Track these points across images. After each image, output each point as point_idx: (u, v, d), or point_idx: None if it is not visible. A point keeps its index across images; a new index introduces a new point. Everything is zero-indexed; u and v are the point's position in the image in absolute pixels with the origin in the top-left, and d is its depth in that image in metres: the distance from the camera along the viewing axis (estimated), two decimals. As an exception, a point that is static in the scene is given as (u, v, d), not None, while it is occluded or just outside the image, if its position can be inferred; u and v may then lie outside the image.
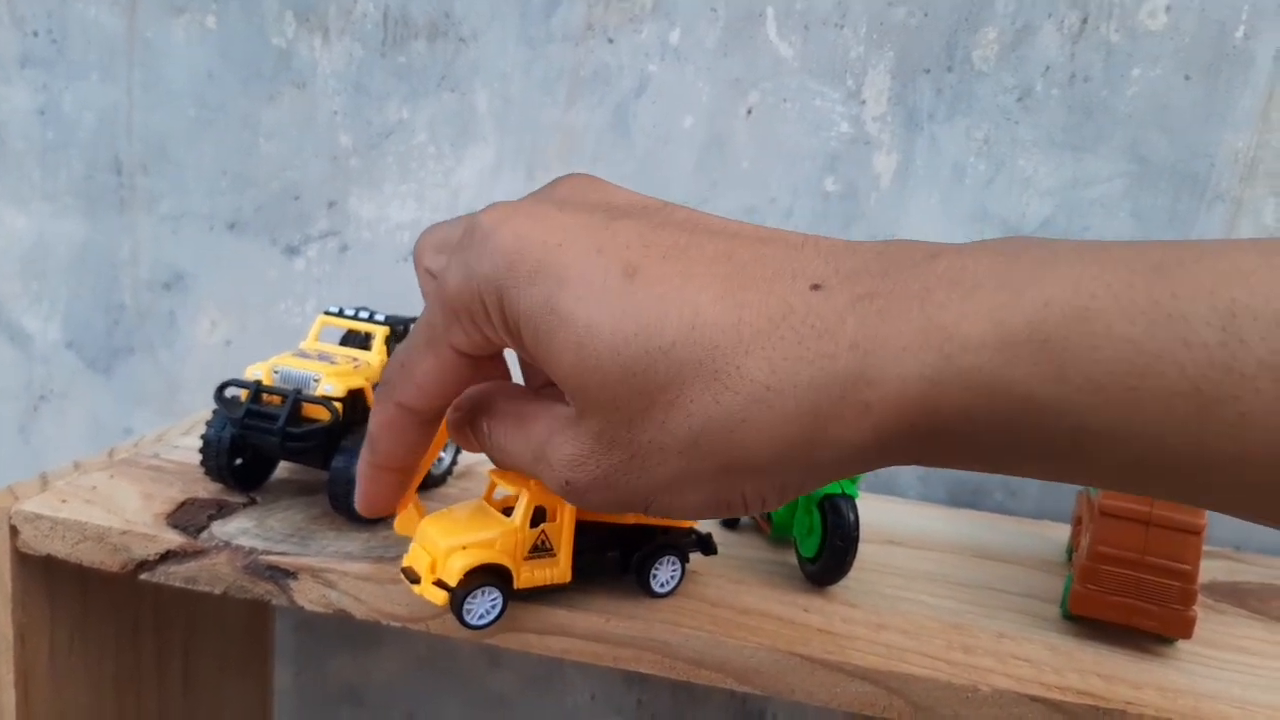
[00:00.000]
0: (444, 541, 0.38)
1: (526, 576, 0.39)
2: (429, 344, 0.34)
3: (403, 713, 0.73)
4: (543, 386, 0.39)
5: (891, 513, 0.58)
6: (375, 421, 0.37)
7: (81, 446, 0.74)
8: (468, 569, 0.37)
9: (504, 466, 0.36)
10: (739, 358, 0.28)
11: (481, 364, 0.35)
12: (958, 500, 0.63)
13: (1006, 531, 0.58)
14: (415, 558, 0.39)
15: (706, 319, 0.28)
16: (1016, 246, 0.27)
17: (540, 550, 0.39)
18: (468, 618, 0.38)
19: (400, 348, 0.36)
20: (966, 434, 0.26)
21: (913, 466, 0.62)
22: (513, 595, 0.39)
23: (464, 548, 0.38)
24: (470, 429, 0.37)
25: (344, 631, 0.72)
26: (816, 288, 0.28)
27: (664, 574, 0.42)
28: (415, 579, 0.38)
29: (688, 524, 0.43)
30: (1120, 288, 0.24)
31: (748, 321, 0.28)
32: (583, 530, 0.40)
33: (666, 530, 0.42)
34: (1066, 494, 0.62)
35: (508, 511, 0.39)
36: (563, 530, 0.40)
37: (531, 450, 0.33)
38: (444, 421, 0.37)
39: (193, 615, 0.59)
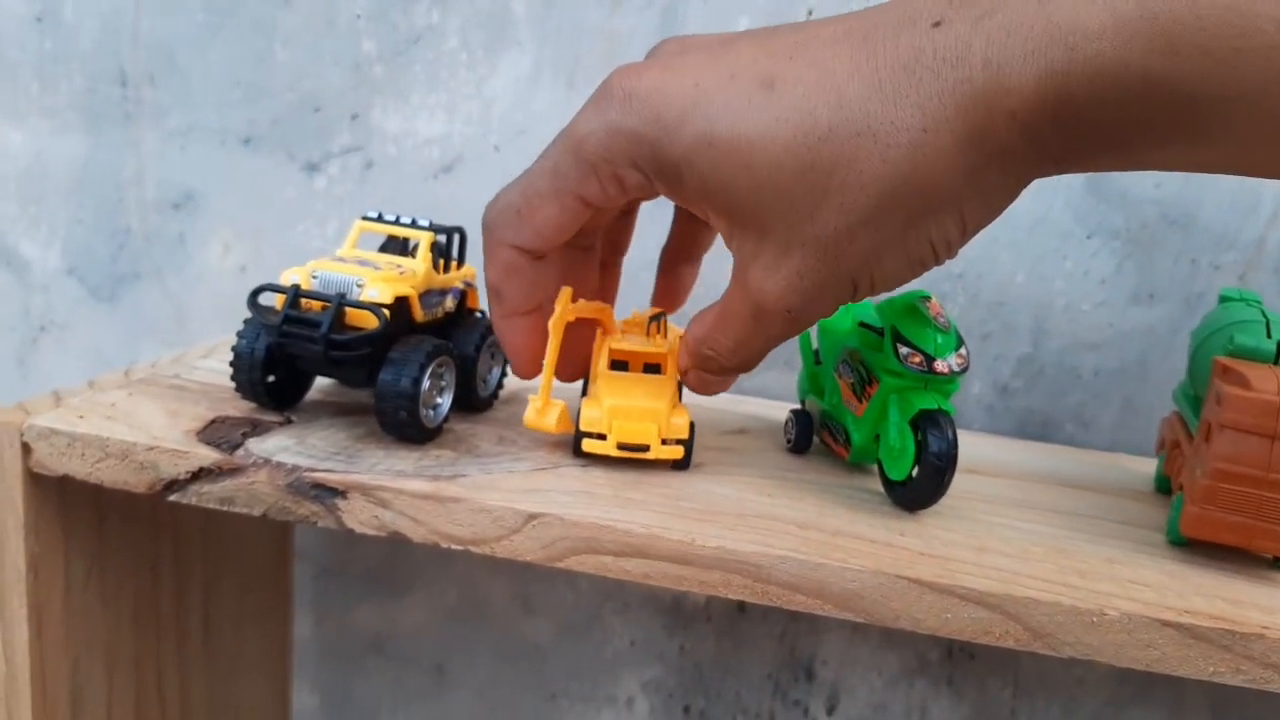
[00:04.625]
0: (653, 404, 0.42)
1: None
2: (555, 194, 0.36)
3: (431, 664, 0.70)
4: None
5: (963, 443, 0.55)
6: (494, 270, 0.40)
7: (84, 380, 0.69)
8: (690, 422, 0.42)
9: (744, 362, 0.39)
10: (889, 112, 0.30)
11: (600, 213, 0.38)
12: (1025, 433, 0.60)
13: (1084, 463, 0.54)
14: (627, 431, 0.41)
15: (849, 94, 0.31)
16: None
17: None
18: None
19: (505, 194, 0.39)
20: (1098, 120, 0.29)
21: (982, 400, 0.59)
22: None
23: (673, 405, 0.42)
24: (698, 371, 0.41)
25: (368, 578, 0.68)
26: (938, 24, 0.30)
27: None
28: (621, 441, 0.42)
29: None
30: None
31: (885, 78, 0.30)
32: None
33: None
34: (1140, 427, 0.59)
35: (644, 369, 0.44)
36: None
37: (749, 315, 0.36)
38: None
39: (212, 556, 0.55)
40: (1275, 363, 0.42)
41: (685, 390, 0.44)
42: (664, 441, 0.42)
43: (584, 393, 0.49)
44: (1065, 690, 0.63)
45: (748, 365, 0.39)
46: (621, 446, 0.41)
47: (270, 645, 0.64)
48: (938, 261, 0.34)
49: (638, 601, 0.65)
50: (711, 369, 0.40)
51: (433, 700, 0.70)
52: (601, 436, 0.42)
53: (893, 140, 0.30)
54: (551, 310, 0.41)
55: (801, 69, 0.31)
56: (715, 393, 0.42)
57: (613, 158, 0.34)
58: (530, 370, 0.42)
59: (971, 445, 0.55)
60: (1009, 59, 0.29)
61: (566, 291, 0.42)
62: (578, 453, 0.42)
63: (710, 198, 0.33)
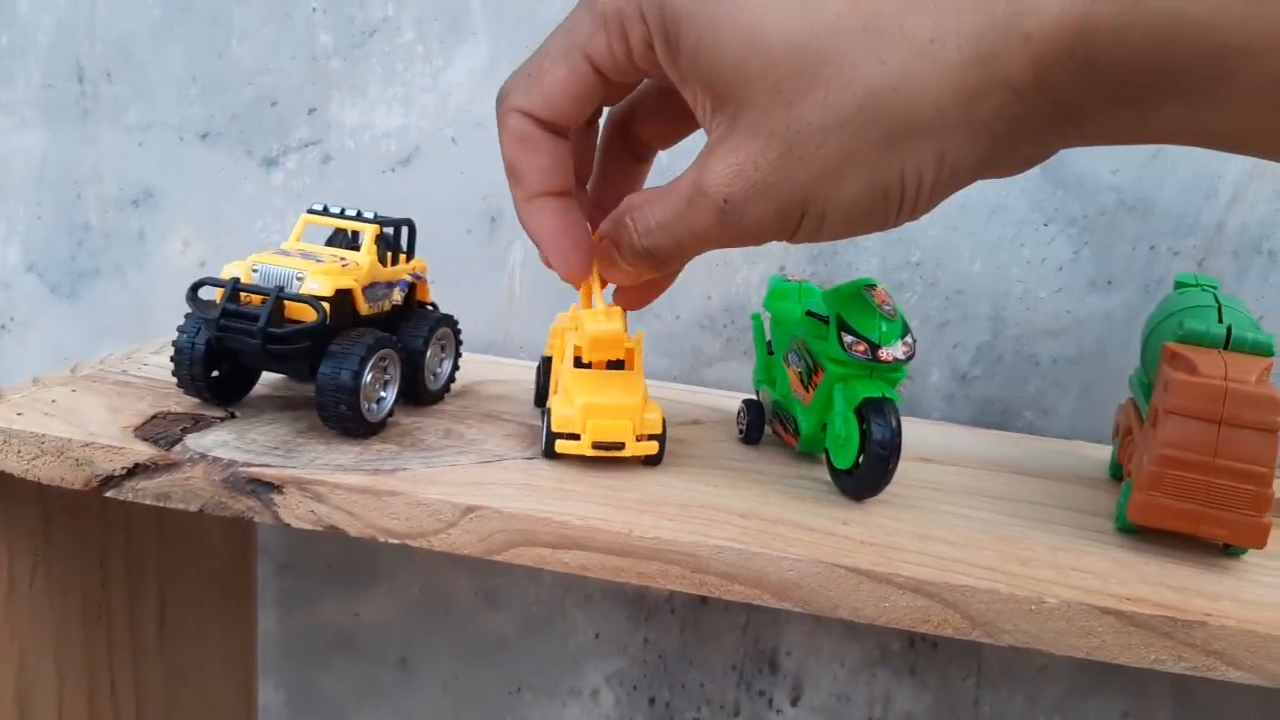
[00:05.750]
0: (628, 400, 0.41)
1: None
2: (565, 53, 0.35)
3: (395, 658, 0.69)
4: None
5: (919, 432, 0.55)
6: (506, 143, 0.37)
7: (46, 379, 0.69)
8: (663, 417, 0.42)
9: (655, 248, 0.36)
10: (901, 18, 0.29)
11: (611, 90, 0.36)
12: (984, 421, 0.60)
13: (1040, 450, 0.54)
14: (602, 430, 0.41)
15: None
16: None
17: None
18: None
19: (526, 61, 0.37)
20: (1118, 61, 0.27)
21: (941, 389, 0.59)
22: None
23: (645, 401, 0.42)
24: (614, 239, 0.37)
25: (332, 572, 0.68)
26: None
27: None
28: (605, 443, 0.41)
29: None
30: None
31: None
32: None
33: None
34: (1099, 414, 0.58)
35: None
36: None
37: (684, 195, 0.33)
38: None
39: (168, 552, 0.55)
40: (1225, 348, 0.42)
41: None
42: (638, 438, 0.41)
43: (537, 401, 0.49)
44: (1028, 678, 0.63)
45: (655, 256, 0.36)
46: (597, 445, 0.41)
47: (233, 641, 0.64)
48: (901, 209, 0.32)
49: (601, 594, 0.65)
50: (621, 244, 0.37)
51: (398, 695, 0.70)
52: (575, 436, 0.41)
53: (896, 44, 0.29)
54: (576, 195, 0.39)
55: None
56: (616, 281, 0.39)
57: (622, 6, 0.33)
58: (568, 267, 0.39)
59: (929, 433, 0.55)
60: None
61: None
62: (549, 455, 0.42)
63: (699, 61, 0.32)
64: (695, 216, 0.33)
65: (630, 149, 0.42)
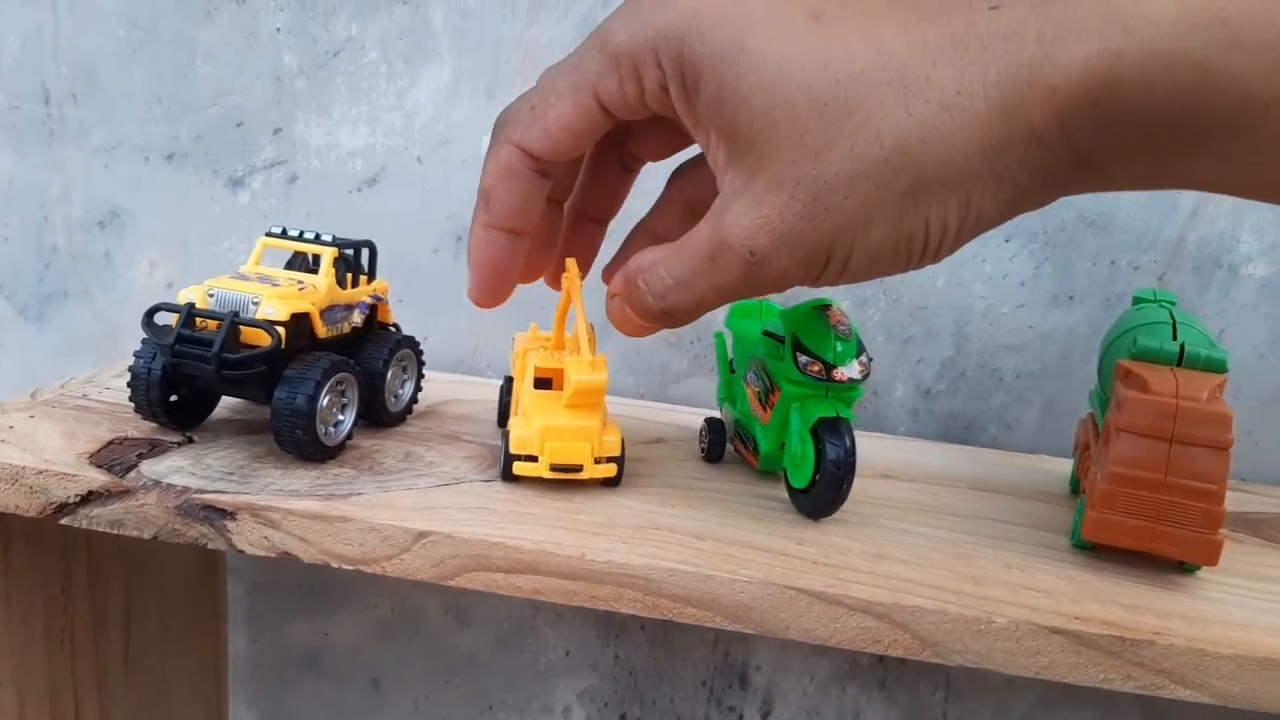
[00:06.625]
0: (586, 422, 0.41)
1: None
2: (572, 90, 0.34)
3: (366, 678, 0.69)
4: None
5: (882, 448, 0.55)
6: (490, 171, 0.37)
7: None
8: (622, 438, 0.42)
9: (674, 307, 0.35)
10: (927, 70, 0.29)
11: (616, 130, 0.36)
12: (949, 436, 0.60)
13: (1002, 465, 0.54)
14: (560, 452, 0.41)
15: (892, 45, 0.30)
16: None
17: None
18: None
19: (525, 94, 0.36)
20: (1143, 111, 0.28)
21: (905, 404, 0.59)
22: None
23: (604, 423, 0.42)
24: (628, 299, 0.37)
25: (303, 592, 0.68)
26: (995, 8, 0.29)
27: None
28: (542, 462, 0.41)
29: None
30: None
31: (932, 40, 0.29)
32: None
33: None
34: (1062, 428, 0.59)
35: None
36: None
37: (705, 252, 0.33)
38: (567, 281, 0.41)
39: (133, 576, 0.54)
40: (1179, 365, 0.42)
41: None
42: (596, 460, 0.41)
43: (500, 421, 0.49)
44: (996, 692, 0.63)
45: (673, 314, 0.36)
46: (555, 468, 0.41)
47: (202, 664, 0.63)
48: (924, 255, 0.32)
49: (571, 611, 0.65)
50: (635, 303, 0.37)
51: (369, 715, 0.70)
52: (533, 458, 0.41)
53: (923, 96, 0.29)
54: (534, 237, 0.40)
55: (851, 14, 0.31)
56: (631, 334, 0.39)
57: (637, 50, 0.33)
58: (484, 297, 0.40)
59: (893, 449, 0.55)
60: (1062, 35, 0.28)
61: (572, 263, 0.42)
62: (507, 478, 0.42)
63: (721, 112, 0.32)
64: (719, 272, 0.33)
65: (620, 160, 0.42)
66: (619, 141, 0.41)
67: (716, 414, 0.51)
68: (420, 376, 0.50)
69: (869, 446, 0.54)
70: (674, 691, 0.66)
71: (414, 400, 0.50)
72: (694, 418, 0.56)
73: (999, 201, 0.31)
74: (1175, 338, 0.44)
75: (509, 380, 0.48)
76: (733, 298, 0.35)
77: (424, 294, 0.61)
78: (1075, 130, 0.29)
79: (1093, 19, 0.28)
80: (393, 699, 0.69)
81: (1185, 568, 0.41)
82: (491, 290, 0.40)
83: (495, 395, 0.53)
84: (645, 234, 0.43)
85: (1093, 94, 0.28)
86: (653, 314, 0.36)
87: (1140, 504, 0.39)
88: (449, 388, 0.57)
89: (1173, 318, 0.45)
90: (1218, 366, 0.42)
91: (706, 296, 0.35)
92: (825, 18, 0.31)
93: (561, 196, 0.42)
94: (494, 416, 0.51)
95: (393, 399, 0.48)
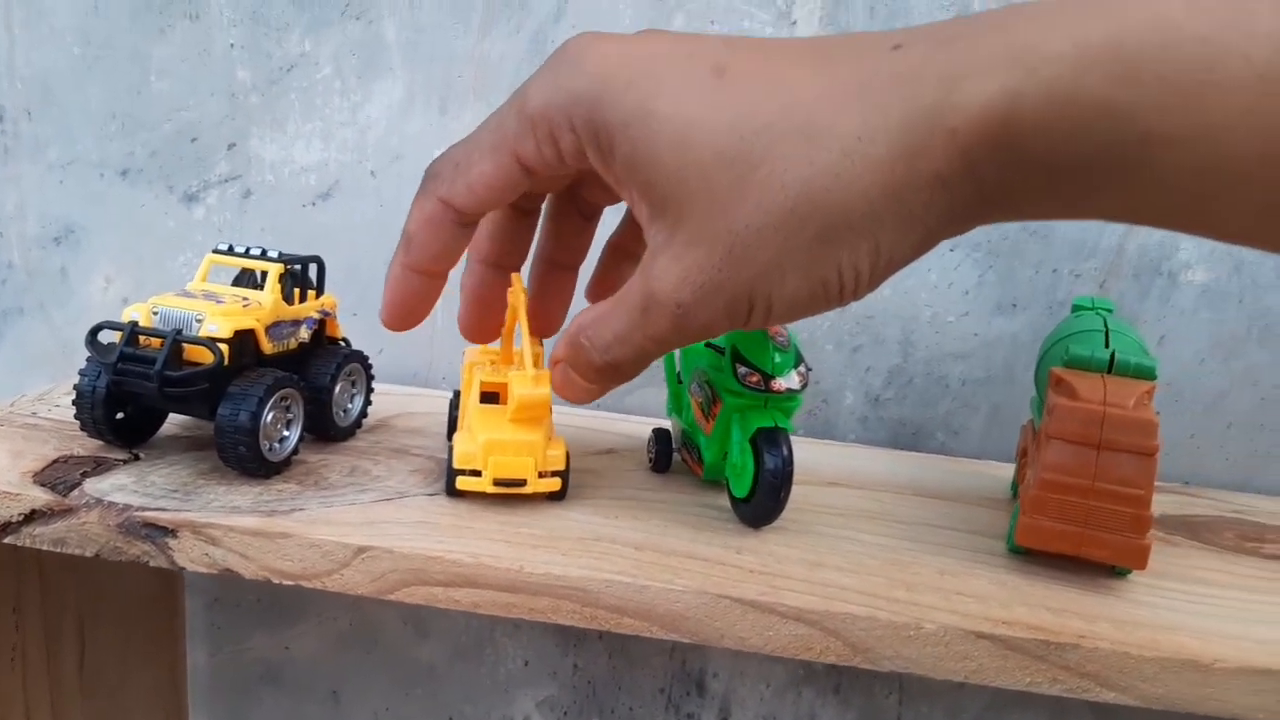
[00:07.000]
0: (530, 436, 0.41)
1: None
2: (493, 149, 0.35)
3: (326, 691, 0.69)
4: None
5: (830, 455, 0.56)
6: (414, 218, 0.38)
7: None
8: (566, 452, 0.42)
9: (616, 362, 0.36)
10: (832, 116, 0.29)
11: (536, 184, 0.37)
12: (898, 443, 0.61)
13: (948, 471, 0.55)
14: (503, 466, 0.41)
15: (798, 96, 0.30)
16: None
17: None
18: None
19: (453, 148, 0.37)
20: (1044, 151, 0.28)
21: (855, 411, 0.60)
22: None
23: (549, 437, 0.42)
24: (571, 362, 0.38)
25: (262, 606, 0.68)
26: (898, 47, 0.30)
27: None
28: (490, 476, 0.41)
29: None
30: None
31: (837, 90, 0.30)
32: None
33: None
34: (1008, 434, 0.60)
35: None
36: None
37: (638, 305, 0.34)
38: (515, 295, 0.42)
39: (87, 592, 0.55)
40: (1109, 372, 0.43)
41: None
42: (540, 474, 0.42)
43: (450, 435, 0.49)
44: (948, 695, 0.64)
45: (619, 368, 0.37)
46: (498, 482, 0.41)
47: (160, 678, 0.64)
48: (841, 297, 0.32)
49: (529, 622, 0.66)
50: (580, 364, 0.37)
51: (331, 727, 0.70)
52: (477, 473, 0.41)
53: (825, 144, 0.29)
54: (482, 301, 0.42)
55: (757, 67, 0.31)
56: (577, 400, 0.39)
57: (551, 115, 0.33)
58: (395, 324, 0.41)
59: (843, 457, 0.56)
60: (964, 74, 0.28)
61: (517, 277, 0.42)
62: (451, 493, 0.42)
63: (636, 172, 0.32)
64: (652, 324, 0.34)
65: (579, 209, 0.43)
66: (574, 191, 0.42)
67: (666, 424, 0.51)
68: (370, 390, 0.50)
69: (818, 454, 0.55)
70: (633, 700, 0.66)
71: (364, 414, 0.50)
72: (646, 428, 0.56)
73: (910, 242, 0.31)
74: (1108, 345, 0.45)
75: (458, 394, 0.49)
76: (669, 347, 0.36)
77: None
78: (980, 170, 0.29)
79: (997, 57, 0.28)
80: (352, 711, 0.69)
81: (1117, 572, 0.41)
82: (401, 319, 0.41)
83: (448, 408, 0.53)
84: (619, 251, 0.44)
85: (992, 135, 0.28)
86: (599, 369, 0.37)
87: (1070, 509, 0.40)
88: (402, 401, 0.57)
89: (1106, 325, 0.46)
90: (1146, 373, 0.43)
91: (645, 348, 0.35)
92: (730, 72, 0.31)
93: (500, 258, 0.43)
94: (445, 430, 0.51)
95: (341, 414, 0.48)
